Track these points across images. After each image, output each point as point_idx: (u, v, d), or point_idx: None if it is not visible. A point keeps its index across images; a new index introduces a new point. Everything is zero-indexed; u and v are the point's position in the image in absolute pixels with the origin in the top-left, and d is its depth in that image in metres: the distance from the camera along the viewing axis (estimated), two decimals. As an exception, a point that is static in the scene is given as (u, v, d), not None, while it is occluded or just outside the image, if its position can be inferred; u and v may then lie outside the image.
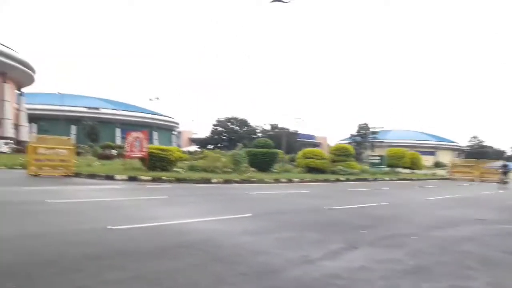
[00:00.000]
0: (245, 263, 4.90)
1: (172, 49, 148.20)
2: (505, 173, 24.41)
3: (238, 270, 4.58)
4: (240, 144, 24.24)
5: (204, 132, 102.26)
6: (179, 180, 16.83)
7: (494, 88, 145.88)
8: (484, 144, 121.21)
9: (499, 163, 29.03)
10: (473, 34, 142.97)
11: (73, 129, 68.52)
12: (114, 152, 49.85)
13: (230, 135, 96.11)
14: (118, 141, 69.67)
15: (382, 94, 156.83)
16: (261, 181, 18.51)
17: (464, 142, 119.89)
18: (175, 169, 19.76)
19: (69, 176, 17.30)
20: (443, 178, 32.58)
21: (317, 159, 26.18)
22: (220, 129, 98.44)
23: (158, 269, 4.50)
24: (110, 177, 16.85)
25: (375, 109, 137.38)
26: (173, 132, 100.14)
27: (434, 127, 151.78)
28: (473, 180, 30.31)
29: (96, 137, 60.02)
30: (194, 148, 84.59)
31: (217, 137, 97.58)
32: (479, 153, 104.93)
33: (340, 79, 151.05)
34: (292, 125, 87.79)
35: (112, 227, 6.62)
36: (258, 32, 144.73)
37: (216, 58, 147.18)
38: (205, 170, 20.93)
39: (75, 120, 68.80)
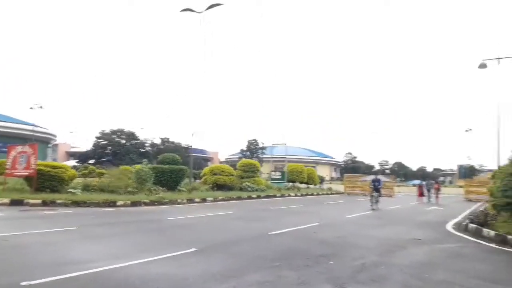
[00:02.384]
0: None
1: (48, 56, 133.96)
2: (377, 189, 19.58)
3: None
4: (145, 160, 21.93)
5: (85, 145, 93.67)
6: (77, 204, 14.34)
7: (363, 107, 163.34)
8: (357, 159, 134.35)
9: (371, 177, 24.17)
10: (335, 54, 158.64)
11: None
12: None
13: (116, 148, 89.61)
14: (-20, 155, 59.70)
15: (268, 111, 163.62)
16: (173, 202, 16.84)
17: (340, 157, 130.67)
18: (69, 190, 16.90)
19: None
20: (339, 193, 34.36)
21: (226, 175, 25.26)
22: (104, 142, 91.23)
23: None
24: (-15, 202, 13.57)
25: (262, 125, 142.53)
26: (49, 145, 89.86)
27: (314, 144, 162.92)
28: (365, 195, 32.42)
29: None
30: (73, 163, 76.80)
31: (100, 150, 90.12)
32: (352, 167, 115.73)
33: (231, 95, 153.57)
34: (184, 140, 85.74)
35: (28, 283, 4.74)
36: (141, 38, 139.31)
37: (99, 66, 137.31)
38: (102, 190, 18.42)
39: None
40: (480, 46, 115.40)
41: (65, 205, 14.00)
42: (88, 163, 77.39)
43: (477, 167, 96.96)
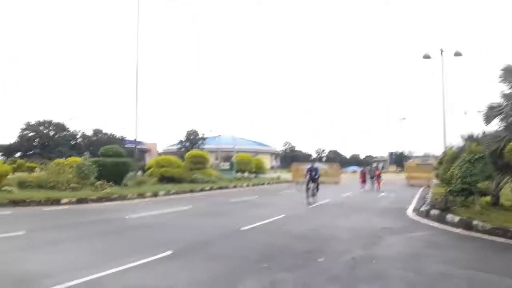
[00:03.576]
0: None
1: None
2: (313, 180, 16.49)
3: None
4: (86, 153, 20.26)
5: (9, 138, 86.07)
6: (15, 203, 12.77)
7: (300, 97, 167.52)
8: (295, 148, 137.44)
9: (307, 166, 18.52)
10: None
11: None
12: None
13: (44, 141, 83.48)
14: None
15: (207, 102, 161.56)
16: (123, 198, 15.62)
17: (279, 147, 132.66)
18: (2, 187, 15.03)
19: None
20: (288, 181, 34.42)
21: (174, 167, 24.17)
22: (31, 134, 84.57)
23: None
24: None
25: (201, 115, 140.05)
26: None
27: (254, 133, 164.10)
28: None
29: None
30: (-4, 156, 70.35)
31: (26, 143, 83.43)
32: (291, 156, 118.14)
33: (169, 85, 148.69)
34: (118, 130, 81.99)
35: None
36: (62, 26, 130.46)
37: (19, 51, 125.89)
38: (41, 186, 16.75)
39: None
40: (415, 44, 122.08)
41: (1, 205, 12.40)
42: (14, 156, 71.50)
43: (406, 153, 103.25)
